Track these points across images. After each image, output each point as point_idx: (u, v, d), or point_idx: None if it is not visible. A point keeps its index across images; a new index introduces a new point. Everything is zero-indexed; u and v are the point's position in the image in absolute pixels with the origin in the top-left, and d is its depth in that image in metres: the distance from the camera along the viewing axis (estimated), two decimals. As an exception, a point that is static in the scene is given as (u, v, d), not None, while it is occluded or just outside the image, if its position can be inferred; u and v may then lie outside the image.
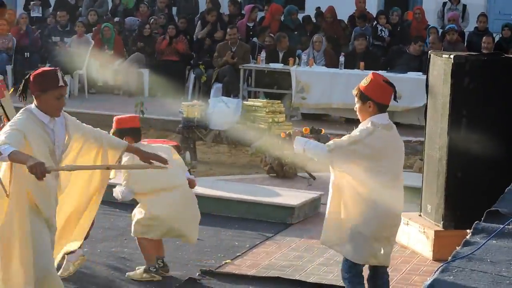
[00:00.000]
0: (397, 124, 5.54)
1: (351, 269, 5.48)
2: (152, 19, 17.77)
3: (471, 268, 5.40)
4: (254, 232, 8.17)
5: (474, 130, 7.33)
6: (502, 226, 6.01)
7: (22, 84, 5.40)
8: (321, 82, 14.61)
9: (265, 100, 13.35)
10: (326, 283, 6.79)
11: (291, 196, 8.96)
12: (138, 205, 6.88)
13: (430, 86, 7.70)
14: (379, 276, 5.65)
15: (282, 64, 15.30)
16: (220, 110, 12.88)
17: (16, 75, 16.86)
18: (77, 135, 5.50)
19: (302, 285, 6.74)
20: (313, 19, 17.92)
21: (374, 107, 5.42)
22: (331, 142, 5.43)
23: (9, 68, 17.00)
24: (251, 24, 17.62)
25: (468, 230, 6.21)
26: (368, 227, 5.39)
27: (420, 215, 7.75)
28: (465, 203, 7.29)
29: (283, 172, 10.64)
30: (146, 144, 6.95)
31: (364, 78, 5.57)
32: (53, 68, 5.52)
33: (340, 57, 15.33)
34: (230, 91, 15.41)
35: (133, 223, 6.85)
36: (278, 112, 12.71)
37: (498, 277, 5.29)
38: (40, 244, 5.23)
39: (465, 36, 16.80)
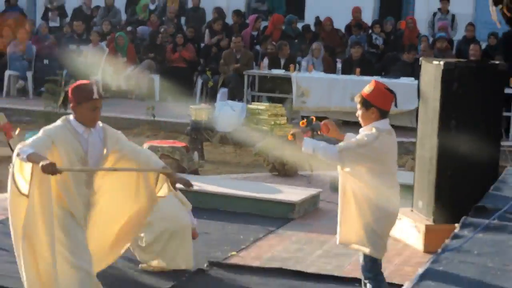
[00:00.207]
0: (391, 126, 5.55)
1: (373, 268, 5.44)
2: (163, 29, 17.80)
3: (459, 259, 5.43)
4: (257, 226, 8.18)
5: (462, 132, 7.34)
6: (488, 221, 6.04)
7: (62, 97, 5.40)
8: (320, 87, 14.62)
9: (267, 104, 13.39)
10: (325, 273, 6.81)
11: (292, 193, 8.97)
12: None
13: (422, 90, 7.72)
14: (379, 261, 5.64)
15: (284, 70, 15.31)
16: (226, 113, 12.93)
17: (36, 80, 16.91)
18: (114, 150, 5.39)
19: (302, 276, 6.75)
20: (313, 28, 17.94)
21: (377, 113, 5.39)
22: (340, 144, 5.42)
23: (29, 74, 17.03)
24: (255, 33, 17.64)
25: (456, 225, 6.24)
26: (379, 225, 5.38)
27: (412, 211, 7.77)
28: (454, 200, 7.31)
29: (284, 170, 10.65)
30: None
31: (367, 85, 5.50)
32: (89, 81, 5.48)
33: (338, 63, 15.36)
34: (235, 95, 15.43)
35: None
36: (280, 115, 12.75)
37: (484, 268, 5.31)
38: (75, 243, 5.20)
39: (454, 44, 16.80)
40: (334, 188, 9.60)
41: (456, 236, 5.88)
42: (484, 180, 7.34)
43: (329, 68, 15.56)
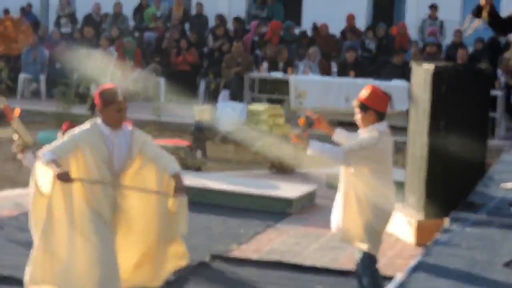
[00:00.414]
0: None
1: (371, 265, 5.39)
2: (168, 34, 17.76)
3: (449, 253, 5.39)
4: (257, 221, 8.14)
5: (451, 131, 7.30)
6: (476, 215, 6.00)
7: (90, 102, 5.33)
8: (316, 88, 14.58)
9: (267, 105, 13.33)
10: (321, 266, 6.76)
11: (290, 189, 8.92)
12: None
13: (412, 92, 7.67)
14: (376, 258, 5.60)
15: (282, 73, 15.27)
16: (227, 114, 12.86)
17: (49, 83, 16.88)
18: (139, 154, 5.25)
19: (299, 268, 6.71)
20: (309, 34, 17.89)
21: (374, 115, 5.35)
22: (345, 146, 5.36)
23: (42, 77, 17.00)
24: (256, 38, 17.62)
25: (446, 219, 6.20)
26: (378, 223, 5.35)
27: (403, 206, 7.73)
28: (444, 195, 7.26)
29: (282, 168, 10.61)
30: None
31: (363, 89, 5.45)
32: (113, 85, 5.38)
33: (333, 66, 15.32)
34: (236, 97, 15.39)
35: None
36: (279, 115, 12.69)
37: (472, 260, 5.27)
38: (103, 242, 5.09)
39: (442, 48, 16.77)
40: (330, 185, 9.60)
41: (446, 231, 5.84)
42: (472, 177, 7.30)
43: (325, 71, 15.52)
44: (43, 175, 5.13)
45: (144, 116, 14.51)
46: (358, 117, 5.41)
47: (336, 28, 17.78)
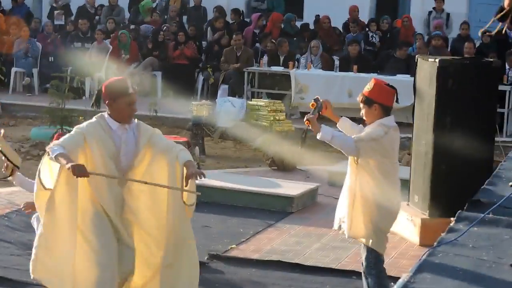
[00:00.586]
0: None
1: (377, 264, 5.41)
2: (165, 27, 17.75)
3: (454, 252, 5.38)
4: (257, 220, 8.14)
5: (457, 127, 7.30)
6: (483, 214, 5.99)
7: (95, 95, 5.26)
8: (318, 83, 14.56)
9: (267, 100, 13.33)
10: (322, 266, 6.77)
11: (290, 187, 8.92)
12: None
13: (417, 87, 7.66)
14: (382, 257, 5.61)
15: (283, 67, 15.25)
16: (226, 109, 12.88)
17: (42, 77, 16.87)
18: (148, 146, 5.15)
19: (301, 268, 6.71)
20: (312, 26, 17.86)
21: (379, 109, 5.35)
22: (355, 135, 5.37)
23: (35, 71, 16.99)
24: (257, 31, 17.61)
25: (452, 218, 6.19)
26: (385, 221, 5.38)
27: (408, 205, 7.72)
28: (449, 194, 7.26)
29: (283, 165, 10.61)
30: None
31: (367, 84, 5.46)
32: (122, 77, 5.32)
33: (335, 60, 15.30)
34: (235, 92, 15.38)
35: None
36: (279, 111, 12.70)
37: (479, 261, 5.27)
38: (103, 243, 5.01)
39: (449, 42, 16.75)
40: (332, 182, 9.61)
41: (451, 230, 5.83)
42: (479, 175, 7.29)
43: (327, 65, 15.50)
44: (49, 171, 5.06)
45: (140, 112, 14.49)
46: (363, 112, 5.40)
47: (338, 21, 17.75)
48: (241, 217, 8.19)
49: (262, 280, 6.45)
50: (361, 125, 5.50)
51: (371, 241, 5.36)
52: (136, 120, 5.24)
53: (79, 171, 4.82)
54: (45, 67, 16.97)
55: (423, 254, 5.38)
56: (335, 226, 5.66)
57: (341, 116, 5.65)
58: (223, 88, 15.64)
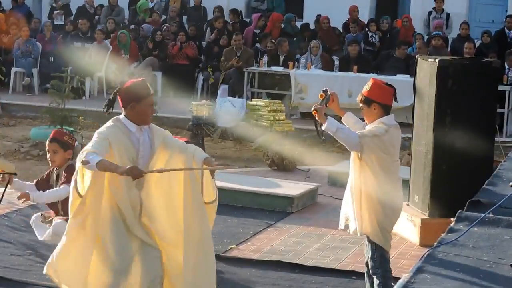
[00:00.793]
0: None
1: (382, 263, 5.41)
2: (164, 27, 17.74)
3: (455, 253, 5.38)
4: (257, 220, 8.14)
5: (457, 127, 7.29)
6: (483, 215, 5.98)
7: (109, 99, 5.14)
8: (318, 83, 14.53)
9: (267, 100, 13.31)
10: (323, 266, 6.76)
11: (290, 187, 8.92)
12: None
13: (417, 87, 7.66)
14: (388, 256, 5.62)
15: (283, 68, 15.25)
16: (226, 109, 12.84)
17: (42, 77, 16.87)
18: (162, 147, 5.15)
19: (300, 268, 6.70)
20: (313, 25, 17.84)
21: (379, 108, 5.37)
22: (359, 131, 5.38)
23: (35, 71, 16.99)
24: (257, 31, 17.61)
25: (452, 219, 6.19)
26: (388, 220, 5.40)
27: (408, 205, 7.72)
28: (449, 194, 7.25)
29: (283, 165, 10.60)
30: None
31: (365, 84, 5.48)
32: (140, 78, 5.29)
33: (335, 61, 15.30)
34: (235, 92, 15.37)
35: None
36: (279, 111, 12.67)
37: (479, 261, 5.26)
38: (120, 248, 4.98)
39: (448, 42, 16.75)
40: (332, 182, 9.60)
41: (451, 230, 5.83)
42: (479, 175, 7.29)
43: (327, 66, 15.50)
44: (80, 177, 4.99)
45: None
46: (363, 112, 5.43)
47: (338, 21, 17.75)
48: (241, 217, 8.18)
49: (262, 280, 6.44)
50: (365, 122, 5.51)
51: (378, 238, 5.37)
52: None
53: (137, 172, 4.81)
54: (45, 67, 16.95)
55: (423, 254, 5.37)
56: (341, 226, 5.64)
57: (347, 111, 5.65)
58: (223, 88, 15.63)
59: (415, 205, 7.61)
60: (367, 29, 17.27)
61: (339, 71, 14.91)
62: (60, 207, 6.33)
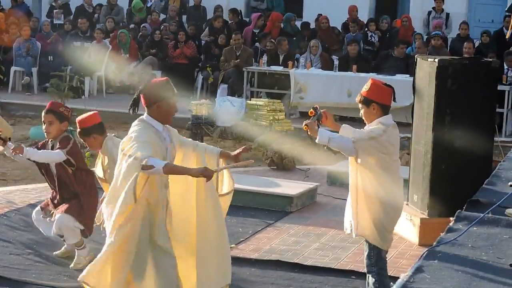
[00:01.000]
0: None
1: (378, 262, 5.41)
2: (163, 26, 17.75)
3: (454, 252, 5.38)
4: (256, 219, 8.13)
5: (456, 127, 7.29)
6: (482, 214, 5.99)
7: (134, 99, 5.12)
8: (317, 83, 14.56)
9: (266, 100, 13.31)
10: (322, 265, 6.76)
11: (290, 186, 8.91)
12: None
13: (417, 87, 7.66)
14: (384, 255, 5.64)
15: (282, 67, 15.25)
16: (226, 109, 12.85)
17: (41, 76, 16.86)
18: (178, 145, 5.23)
19: (300, 268, 6.70)
20: (313, 24, 17.84)
21: (378, 108, 5.39)
22: (353, 135, 5.40)
23: (34, 70, 16.98)
24: (256, 31, 17.61)
25: (451, 218, 6.19)
26: (388, 219, 5.39)
27: (407, 204, 7.72)
28: (449, 193, 7.25)
29: (282, 165, 10.60)
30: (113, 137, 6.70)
31: (364, 85, 5.50)
32: (164, 78, 5.29)
33: (335, 60, 15.30)
34: (234, 91, 15.38)
35: None
36: (278, 110, 12.68)
37: (478, 260, 5.26)
38: (141, 261, 5.00)
39: (448, 41, 16.75)
40: (331, 182, 9.60)
41: (450, 230, 5.83)
42: (478, 175, 7.29)
43: (327, 65, 15.50)
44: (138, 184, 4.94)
45: (140, 111, 14.49)
46: (362, 112, 5.44)
47: (338, 21, 17.76)
48: (240, 217, 8.18)
49: (261, 280, 6.44)
50: (362, 130, 5.50)
51: (374, 238, 5.37)
52: None
53: (210, 173, 4.88)
54: (45, 66, 16.95)
55: (422, 254, 5.38)
56: (347, 230, 5.62)
57: (342, 124, 5.67)
58: (223, 88, 15.64)
59: (414, 204, 7.61)
60: (366, 29, 17.27)
61: (339, 70, 14.90)
62: (57, 187, 6.43)
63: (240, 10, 19.09)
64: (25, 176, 10.11)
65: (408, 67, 14.32)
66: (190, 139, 5.51)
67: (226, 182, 5.49)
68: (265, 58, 15.47)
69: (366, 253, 5.47)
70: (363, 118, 5.49)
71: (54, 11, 19.55)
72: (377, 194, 5.33)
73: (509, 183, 7.24)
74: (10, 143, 6.35)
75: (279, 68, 15.18)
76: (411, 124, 7.82)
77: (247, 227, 7.82)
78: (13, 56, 17.11)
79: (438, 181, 7.34)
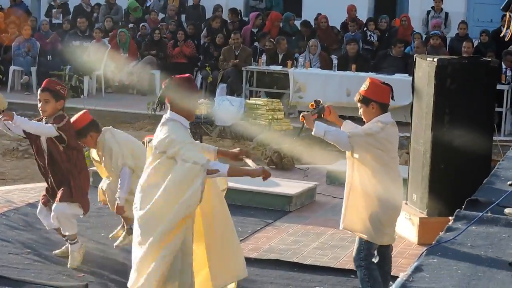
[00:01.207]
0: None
1: (367, 256, 5.45)
2: (159, 25, 17.77)
3: (453, 252, 5.38)
4: (255, 218, 8.13)
5: (455, 126, 7.29)
6: (481, 213, 5.98)
7: (160, 97, 5.11)
8: (316, 82, 14.57)
9: (265, 99, 13.32)
10: (321, 265, 6.76)
11: (289, 186, 8.92)
12: None
13: (416, 86, 7.66)
14: (389, 249, 5.65)
15: (281, 66, 15.26)
16: (225, 108, 12.85)
17: (40, 76, 16.86)
18: None
19: (299, 267, 6.70)
20: (312, 23, 17.85)
21: (377, 107, 5.42)
22: (350, 130, 5.42)
23: (33, 69, 16.98)
24: (255, 30, 17.61)
25: (450, 217, 6.19)
26: (385, 215, 5.42)
27: (406, 203, 7.72)
28: (448, 193, 7.25)
29: (282, 164, 10.60)
30: (112, 128, 6.69)
31: (363, 84, 5.53)
32: (187, 75, 5.28)
33: (334, 60, 15.30)
34: (233, 90, 15.38)
35: None
36: (277, 110, 12.68)
37: (477, 260, 5.26)
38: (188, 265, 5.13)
39: (447, 41, 16.77)
40: (331, 181, 9.60)
41: (449, 229, 5.83)
42: (477, 174, 7.29)
43: (326, 65, 15.51)
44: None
45: (139, 110, 14.51)
46: (361, 111, 5.47)
47: (337, 20, 17.77)
48: (239, 216, 8.17)
49: (261, 279, 6.44)
50: (363, 126, 5.54)
51: (368, 232, 5.40)
52: None
53: (268, 173, 5.17)
54: (44, 65, 16.95)
55: (422, 253, 5.38)
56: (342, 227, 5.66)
57: (344, 120, 5.71)
58: (222, 87, 15.64)
59: (414, 204, 7.61)
60: (365, 28, 17.28)
61: (338, 70, 14.92)
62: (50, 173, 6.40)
63: (240, 10, 19.10)
64: (24, 176, 10.12)
65: (407, 66, 14.33)
66: None
67: (222, 180, 5.62)
68: (264, 57, 15.48)
69: (356, 248, 5.51)
70: (362, 117, 5.53)
71: (53, 10, 19.55)
72: (373, 189, 5.36)
73: (508, 182, 7.24)
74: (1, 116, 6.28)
75: (278, 68, 15.19)
76: (410, 123, 7.82)
77: (246, 226, 7.82)
78: (12, 56, 17.10)
79: (437, 180, 7.34)
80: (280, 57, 15.70)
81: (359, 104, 5.51)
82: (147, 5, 19.51)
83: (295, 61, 15.57)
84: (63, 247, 6.76)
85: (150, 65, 16.92)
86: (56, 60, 16.95)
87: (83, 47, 17.17)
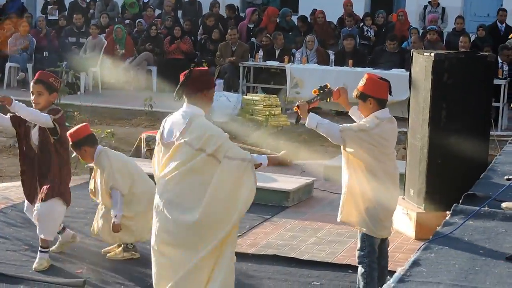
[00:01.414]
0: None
1: (370, 253, 5.45)
2: (154, 20, 17.76)
3: (450, 246, 5.40)
4: (253, 214, 8.12)
5: (453, 121, 7.31)
6: (478, 208, 6.01)
7: (181, 84, 5.10)
8: (313, 78, 14.56)
9: (262, 95, 13.34)
10: (318, 260, 6.78)
11: (286, 181, 8.93)
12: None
13: (413, 81, 7.67)
14: (385, 243, 5.67)
15: (278, 62, 15.27)
16: (222, 104, 12.87)
17: (36, 72, 16.80)
18: None
19: (296, 262, 6.72)
20: (309, 19, 17.85)
21: (374, 103, 5.43)
22: (343, 124, 5.45)
23: (29, 66, 16.97)
24: (251, 26, 17.61)
25: (447, 212, 6.21)
26: (383, 208, 5.43)
27: (403, 198, 7.74)
28: (445, 187, 7.26)
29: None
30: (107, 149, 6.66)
31: (361, 80, 5.54)
32: (205, 67, 5.40)
33: (331, 55, 15.31)
34: (230, 86, 15.39)
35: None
36: (274, 105, 12.71)
37: (474, 254, 5.28)
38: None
39: (443, 36, 16.78)
40: (328, 177, 9.62)
41: (447, 223, 5.85)
42: (474, 169, 7.31)
43: (323, 60, 15.52)
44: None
45: (136, 107, 14.51)
46: (359, 106, 5.49)
47: (334, 16, 17.78)
48: (237, 212, 8.18)
49: (258, 275, 6.46)
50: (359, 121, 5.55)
51: (366, 225, 5.42)
52: None
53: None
54: (40, 62, 16.93)
55: (419, 248, 5.40)
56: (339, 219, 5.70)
57: (353, 106, 5.72)
58: (218, 83, 15.64)
59: (411, 199, 7.63)
60: (362, 24, 17.29)
61: (335, 65, 14.93)
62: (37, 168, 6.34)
63: (237, 6, 19.10)
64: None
65: (404, 61, 14.34)
66: None
67: None
68: (261, 53, 15.49)
69: (358, 245, 5.52)
70: (360, 112, 5.54)
71: (49, 7, 19.52)
72: (368, 183, 5.37)
73: (505, 177, 7.27)
74: None
75: (275, 63, 15.19)
76: (407, 118, 7.83)
77: (243, 222, 7.81)
78: (8, 52, 17.08)
79: (434, 175, 7.35)
80: (277, 52, 15.71)
81: (357, 100, 5.54)
82: (145, 1, 19.49)
83: (292, 57, 15.57)
84: (58, 243, 6.77)
85: (146, 61, 16.91)
86: (52, 56, 16.93)
87: (79, 43, 17.15)
